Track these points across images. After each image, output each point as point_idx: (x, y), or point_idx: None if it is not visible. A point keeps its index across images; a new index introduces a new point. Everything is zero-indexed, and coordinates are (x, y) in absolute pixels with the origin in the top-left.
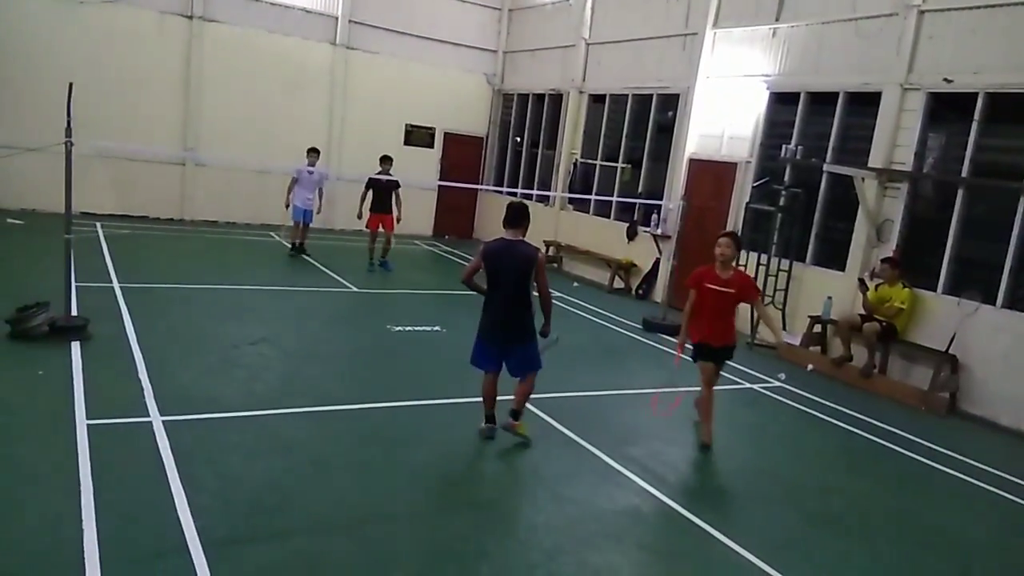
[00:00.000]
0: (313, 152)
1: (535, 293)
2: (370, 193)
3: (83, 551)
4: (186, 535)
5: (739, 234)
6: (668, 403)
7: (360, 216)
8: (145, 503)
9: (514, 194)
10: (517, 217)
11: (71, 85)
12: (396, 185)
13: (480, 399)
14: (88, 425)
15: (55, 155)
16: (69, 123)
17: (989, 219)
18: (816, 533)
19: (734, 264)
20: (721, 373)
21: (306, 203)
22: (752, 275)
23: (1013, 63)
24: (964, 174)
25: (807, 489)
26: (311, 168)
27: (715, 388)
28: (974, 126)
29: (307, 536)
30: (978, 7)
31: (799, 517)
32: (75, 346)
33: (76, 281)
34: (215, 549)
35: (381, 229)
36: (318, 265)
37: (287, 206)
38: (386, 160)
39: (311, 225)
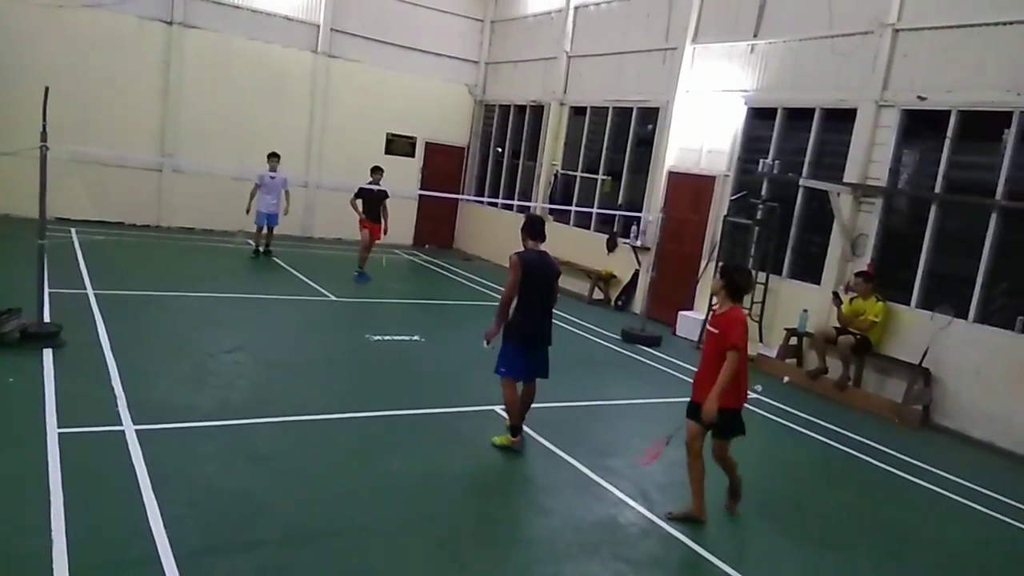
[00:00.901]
0: (274, 157)
1: None
2: (360, 202)
3: (52, 561)
4: (158, 545)
5: (736, 269)
6: (649, 451)
7: (362, 220)
8: (116, 513)
9: (495, 204)
10: (543, 229)
11: (47, 89)
12: (384, 196)
13: (471, 408)
14: (59, 433)
15: (30, 159)
16: (45, 127)
17: (962, 234)
18: (790, 544)
19: (743, 304)
20: (727, 446)
21: (270, 207)
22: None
23: (984, 82)
24: (937, 190)
25: (782, 500)
26: (273, 173)
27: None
28: (947, 143)
29: (280, 547)
30: (951, 27)
31: (774, 529)
32: (47, 353)
33: (49, 287)
34: (187, 560)
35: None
36: (296, 273)
37: (248, 211)
38: (377, 171)
39: (275, 229)
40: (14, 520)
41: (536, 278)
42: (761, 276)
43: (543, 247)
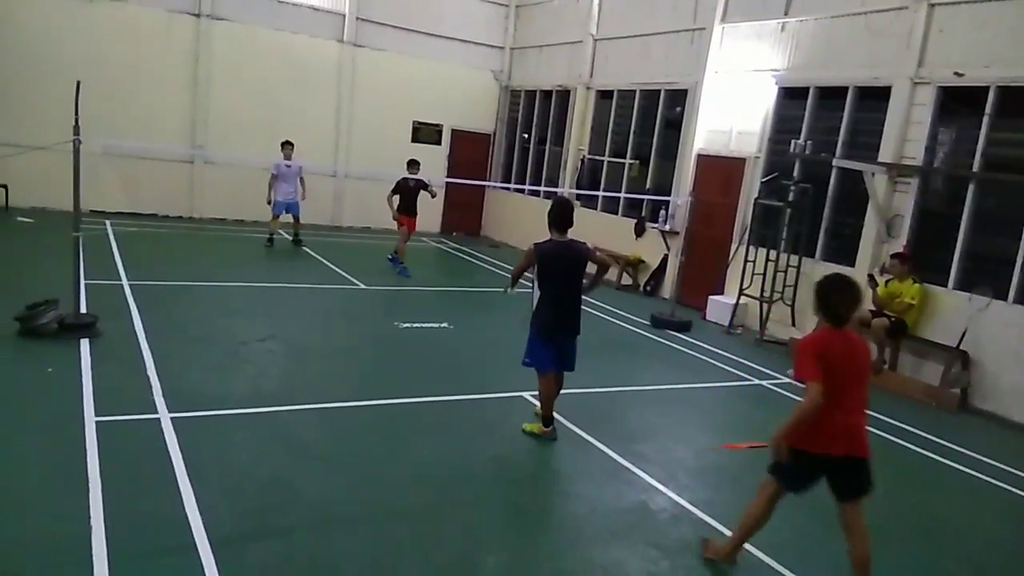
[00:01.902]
0: (288, 145)
1: None
2: (397, 197)
3: (91, 548)
4: (193, 532)
5: (829, 284)
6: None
7: (395, 218)
8: (153, 500)
9: (522, 190)
10: (568, 216)
11: (79, 83)
12: (423, 185)
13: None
14: (97, 422)
15: (64, 153)
16: (77, 121)
17: (1000, 214)
18: (825, 530)
19: (843, 326)
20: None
21: (288, 196)
22: (760, 273)
23: None
24: (975, 168)
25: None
26: (288, 162)
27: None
28: (985, 120)
29: (314, 533)
30: (988, 0)
31: (808, 514)
32: (84, 343)
33: (85, 279)
34: (222, 546)
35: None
36: (325, 262)
37: (269, 202)
38: (413, 164)
39: (300, 218)
40: (54, 506)
41: (555, 269)
42: (794, 259)
43: (571, 233)
